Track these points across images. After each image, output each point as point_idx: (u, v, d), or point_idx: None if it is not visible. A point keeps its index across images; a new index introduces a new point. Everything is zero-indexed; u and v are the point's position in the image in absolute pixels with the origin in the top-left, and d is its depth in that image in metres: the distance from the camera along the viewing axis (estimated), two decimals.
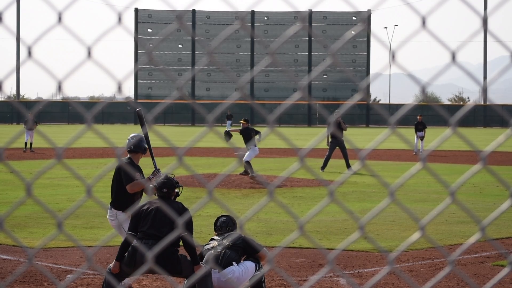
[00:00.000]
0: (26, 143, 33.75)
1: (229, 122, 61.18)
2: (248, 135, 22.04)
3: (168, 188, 8.02)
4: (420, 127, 34.36)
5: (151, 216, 7.82)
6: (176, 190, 8.17)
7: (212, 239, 8.82)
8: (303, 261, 10.56)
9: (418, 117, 35.39)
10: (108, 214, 9.02)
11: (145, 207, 7.93)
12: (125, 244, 7.81)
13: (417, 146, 34.15)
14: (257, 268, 8.59)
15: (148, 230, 7.76)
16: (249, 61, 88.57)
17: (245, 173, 21.77)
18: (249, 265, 8.54)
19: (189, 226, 7.79)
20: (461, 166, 26.81)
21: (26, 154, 31.32)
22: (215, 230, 8.89)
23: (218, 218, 9.01)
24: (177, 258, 7.79)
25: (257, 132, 22.30)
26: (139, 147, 9.08)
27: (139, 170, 9.03)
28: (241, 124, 22.44)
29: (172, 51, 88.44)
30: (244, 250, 8.59)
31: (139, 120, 9.29)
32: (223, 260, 8.40)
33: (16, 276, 9.20)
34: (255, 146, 21.92)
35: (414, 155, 33.43)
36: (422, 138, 33.98)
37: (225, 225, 8.83)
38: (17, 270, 9.80)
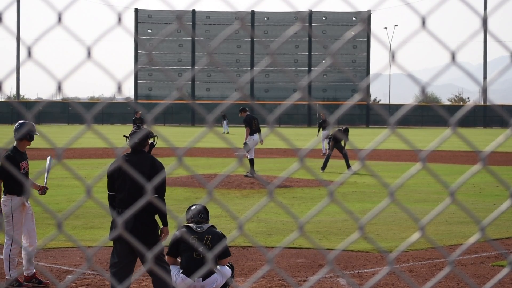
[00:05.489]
0: None
1: (225, 121, 61.41)
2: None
3: (140, 139, 7.55)
4: (324, 126, 32.19)
5: (127, 180, 7.44)
6: (151, 140, 7.77)
7: (189, 228, 8.27)
8: (303, 261, 10.55)
9: (321, 114, 34.24)
10: (1, 199, 9.14)
11: (118, 167, 7.47)
12: (111, 203, 7.62)
13: (325, 146, 32.16)
14: (232, 273, 8.39)
15: (124, 197, 7.42)
16: (249, 61, 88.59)
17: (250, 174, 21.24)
18: (227, 271, 8.33)
19: (160, 187, 7.42)
20: (461, 166, 26.80)
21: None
22: (187, 219, 8.40)
23: (189, 207, 8.52)
24: (152, 229, 7.47)
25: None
26: (26, 134, 9.18)
27: (25, 158, 9.21)
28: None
29: (172, 51, 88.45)
30: (221, 252, 8.22)
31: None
32: (204, 265, 8.07)
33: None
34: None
35: (322, 155, 30.56)
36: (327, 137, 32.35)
37: (197, 212, 8.34)
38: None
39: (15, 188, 9.02)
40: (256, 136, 21.75)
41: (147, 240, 7.42)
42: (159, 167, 7.48)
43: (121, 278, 7.52)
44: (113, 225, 7.64)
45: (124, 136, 7.74)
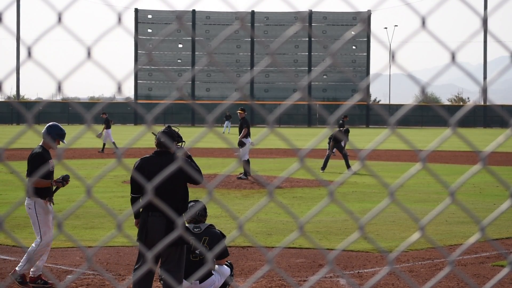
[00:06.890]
0: (104, 144, 32.96)
1: (227, 122, 61.23)
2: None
3: (168, 141, 7.38)
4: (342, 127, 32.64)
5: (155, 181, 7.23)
6: (179, 145, 7.60)
7: (186, 229, 8.15)
8: (303, 261, 10.55)
9: (343, 117, 34.57)
10: (25, 202, 9.09)
11: (143, 169, 7.31)
12: (133, 204, 7.44)
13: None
14: (232, 272, 8.36)
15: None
16: (249, 61, 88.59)
17: (244, 175, 21.55)
18: (225, 270, 8.31)
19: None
20: (461, 167, 26.79)
21: (26, 155, 31.23)
22: (186, 219, 8.28)
23: None
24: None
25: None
26: (53, 135, 9.14)
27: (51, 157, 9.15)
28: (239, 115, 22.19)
29: (172, 51, 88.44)
30: (218, 253, 8.20)
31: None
32: (201, 267, 8.00)
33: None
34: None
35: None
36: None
37: (194, 211, 8.24)
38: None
39: (39, 190, 8.93)
40: (250, 139, 21.89)
41: (177, 242, 7.27)
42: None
43: (142, 281, 7.38)
44: (140, 227, 7.37)
45: (153, 133, 7.54)
